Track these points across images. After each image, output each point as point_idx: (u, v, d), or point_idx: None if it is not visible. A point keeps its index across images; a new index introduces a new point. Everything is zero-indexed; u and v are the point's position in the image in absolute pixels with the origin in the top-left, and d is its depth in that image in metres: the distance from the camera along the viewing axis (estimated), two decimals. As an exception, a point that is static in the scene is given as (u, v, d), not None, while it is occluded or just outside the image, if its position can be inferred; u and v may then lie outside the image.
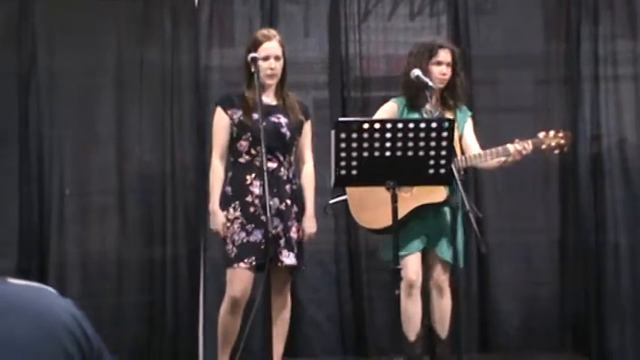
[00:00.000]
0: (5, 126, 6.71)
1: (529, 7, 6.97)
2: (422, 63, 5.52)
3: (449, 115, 5.35)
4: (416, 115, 5.44)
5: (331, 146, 4.46)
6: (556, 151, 5.58)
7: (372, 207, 5.41)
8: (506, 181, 6.73)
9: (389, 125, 4.47)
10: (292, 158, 5.47)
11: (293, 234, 5.37)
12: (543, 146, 5.49)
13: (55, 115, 6.72)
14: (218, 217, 5.35)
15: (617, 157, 6.78)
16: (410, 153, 4.46)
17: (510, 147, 5.39)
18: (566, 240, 6.78)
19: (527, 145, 5.41)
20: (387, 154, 4.45)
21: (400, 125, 4.47)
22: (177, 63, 6.76)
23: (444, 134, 4.49)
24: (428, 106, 5.43)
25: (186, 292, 6.67)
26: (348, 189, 5.50)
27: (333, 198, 5.65)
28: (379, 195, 5.29)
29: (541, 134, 5.49)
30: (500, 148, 5.43)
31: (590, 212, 6.73)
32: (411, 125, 4.47)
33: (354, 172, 4.47)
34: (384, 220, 5.31)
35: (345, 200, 5.56)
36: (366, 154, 4.43)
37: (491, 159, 5.44)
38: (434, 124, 4.50)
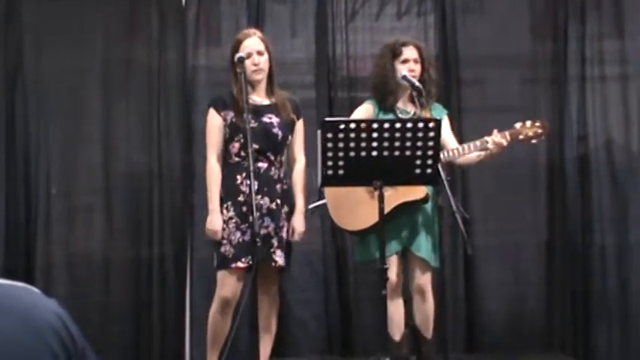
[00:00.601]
0: (-9, 125, 6.70)
1: (516, 7, 6.98)
2: (387, 64, 5.54)
3: (423, 113, 5.34)
4: (391, 116, 5.45)
5: (318, 146, 4.46)
6: (534, 141, 5.56)
7: (350, 209, 5.43)
8: (494, 182, 6.74)
9: (375, 125, 4.48)
10: (284, 158, 5.47)
11: (284, 234, 5.37)
12: (521, 136, 5.47)
13: (42, 114, 6.70)
14: (217, 218, 5.33)
15: (604, 158, 6.79)
16: (396, 153, 4.48)
17: (488, 139, 5.39)
18: (553, 241, 6.78)
19: (506, 137, 5.41)
20: (374, 153, 4.46)
21: (387, 125, 4.48)
22: (164, 62, 6.75)
23: (431, 134, 4.50)
24: (401, 105, 5.46)
25: (172, 292, 6.66)
26: (326, 192, 5.50)
27: (315, 201, 5.66)
28: (355, 196, 5.33)
29: (518, 124, 5.49)
30: (477, 141, 5.43)
31: (577, 213, 6.75)
32: (398, 125, 4.48)
33: (340, 171, 4.48)
34: (362, 221, 5.36)
35: (325, 204, 5.57)
36: (352, 154, 4.44)
37: (470, 152, 5.44)
38: (420, 124, 4.52)
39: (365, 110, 5.59)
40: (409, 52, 5.53)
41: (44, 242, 6.65)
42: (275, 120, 5.38)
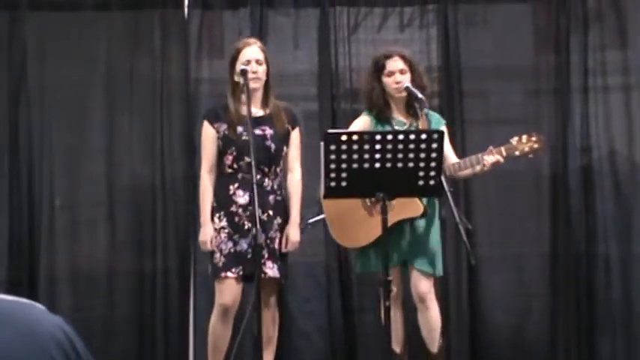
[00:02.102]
0: (-5, 137, 6.71)
1: (518, 19, 6.99)
2: (371, 78, 5.55)
3: (419, 124, 5.34)
4: (387, 127, 5.45)
5: (321, 158, 4.46)
6: (531, 156, 5.56)
7: (350, 227, 5.44)
8: (497, 193, 6.74)
9: (378, 137, 4.47)
10: (279, 169, 5.47)
11: (276, 245, 5.38)
12: (517, 152, 5.46)
13: (45, 126, 6.71)
14: (208, 229, 5.37)
15: (608, 169, 6.79)
16: (399, 164, 4.47)
17: (484, 157, 5.38)
18: (557, 252, 6.77)
19: (501, 153, 5.39)
20: (377, 165, 4.45)
21: (390, 137, 4.47)
22: (167, 75, 6.76)
23: (434, 145, 4.49)
24: (396, 116, 5.47)
25: (176, 305, 6.65)
26: (325, 211, 5.51)
27: (315, 215, 5.66)
28: (356, 215, 5.34)
29: (513, 140, 5.47)
30: (473, 157, 5.43)
31: (580, 224, 6.73)
32: (401, 137, 4.48)
33: (343, 183, 4.48)
34: (362, 239, 5.35)
35: (324, 219, 5.58)
36: (355, 165, 4.44)
37: (465, 169, 5.45)
38: (423, 136, 4.51)
39: (362, 122, 5.60)
40: (393, 65, 5.52)
41: (48, 254, 6.65)
42: (269, 132, 5.39)
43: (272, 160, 5.39)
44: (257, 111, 5.43)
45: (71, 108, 6.78)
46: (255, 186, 4.91)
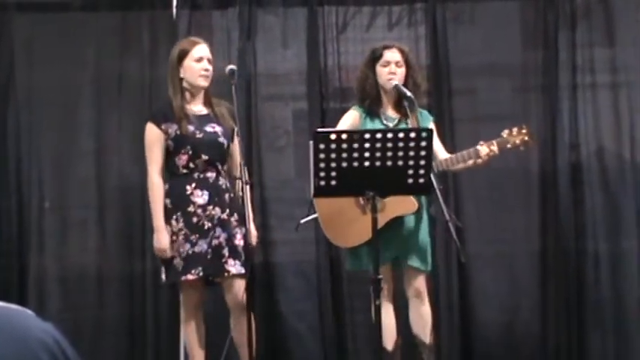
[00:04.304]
0: (-17, 140, 6.69)
1: (506, 17, 7.00)
2: (366, 68, 5.56)
3: (409, 121, 5.35)
4: (377, 123, 5.47)
5: (310, 157, 4.46)
6: (522, 148, 5.58)
7: (342, 226, 5.45)
8: (486, 190, 6.75)
9: (367, 135, 4.48)
10: (226, 167, 5.46)
11: (238, 242, 5.33)
12: (508, 145, 5.49)
13: (34, 128, 6.70)
14: (164, 236, 5.31)
15: (596, 165, 6.81)
16: (389, 163, 4.48)
17: (477, 150, 5.39)
18: (547, 249, 6.78)
19: (494, 148, 5.41)
20: (366, 164, 4.46)
21: (379, 135, 4.48)
22: (155, 75, 6.74)
23: (423, 144, 4.50)
24: (386, 111, 5.48)
25: (166, 305, 6.64)
26: (318, 210, 5.51)
27: (306, 215, 5.66)
28: (348, 213, 5.35)
29: (504, 133, 5.50)
30: (465, 152, 5.44)
31: (569, 220, 6.75)
32: (390, 135, 4.49)
33: (333, 182, 4.48)
34: (355, 238, 5.36)
35: (316, 218, 5.58)
36: (344, 164, 4.44)
37: (458, 164, 5.46)
38: (412, 134, 4.52)
39: (351, 117, 5.61)
40: (390, 55, 5.54)
41: (37, 256, 6.64)
42: (219, 129, 5.38)
43: (223, 156, 5.38)
44: (201, 109, 5.42)
45: (60, 109, 6.77)
46: (242, 185, 4.91)
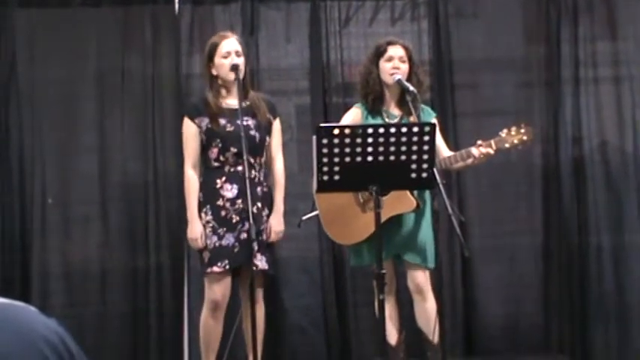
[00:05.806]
0: (-15, 136, 6.69)
1: (509, 11, 7.00)
2: (370, 63, 5.55)
3: (411, 119, 5.34)
4: (378, 120, 5.45)
5: (313, 152, 4.46)
6: (520, 147, 5.56)
7: (343, 224, 5.44)
8: (489, 185, 6.75)
9: (370, 130, 4.47)
10: (263, 160, 5.44)
11: (265, 237, 5.36)
12: (507, 145, 5.44)
13: (36, 124, 6.70)
14: (197, 226, 5.34)
15: (599, 160, 6.81)
16: (392, 158, 4.47)
17: (475, 151, 5.38)
18: (550, 243, 6.79)
19: (491, 148, 5.40)
20: (369, 159, 4.45)
21: (382, 130, 4.47)
22: (158, 71, 6.75)
23: (426, 138, 4.49)
24: (388, 108, 5.47)
25: (170, 301, 6.65)
26: (319, 207, 5.51)
27: (309, 211, 5.66)
28: (349, 211, 5.34)
29: (502, 132, 5.46)
30: (463, 151, 5.43)
31: (572, 215, 6.75)
32: (393, 130, 4.48)
33: (336, 177, 4.47)
34: (356, 235, 5.36)
35: (318, 215, 5.57)
36: (347, 159, 4.44)
37: (455, 163, 5.45)
38: (415, 129, 4.51)
39: (353, 114, 5.60)
40: (394, 50, 5.52)
41: (40, 252, 6.65)
42: (251, 122, 5.37)
43: (256, 149, 5.35)
44: (236, 102, 5.38)
45: (62, 105, 6.77)
46: (248, 180, 4.91)
